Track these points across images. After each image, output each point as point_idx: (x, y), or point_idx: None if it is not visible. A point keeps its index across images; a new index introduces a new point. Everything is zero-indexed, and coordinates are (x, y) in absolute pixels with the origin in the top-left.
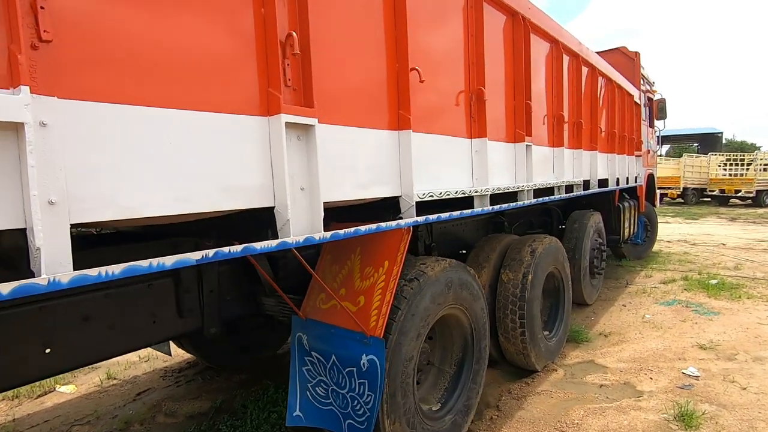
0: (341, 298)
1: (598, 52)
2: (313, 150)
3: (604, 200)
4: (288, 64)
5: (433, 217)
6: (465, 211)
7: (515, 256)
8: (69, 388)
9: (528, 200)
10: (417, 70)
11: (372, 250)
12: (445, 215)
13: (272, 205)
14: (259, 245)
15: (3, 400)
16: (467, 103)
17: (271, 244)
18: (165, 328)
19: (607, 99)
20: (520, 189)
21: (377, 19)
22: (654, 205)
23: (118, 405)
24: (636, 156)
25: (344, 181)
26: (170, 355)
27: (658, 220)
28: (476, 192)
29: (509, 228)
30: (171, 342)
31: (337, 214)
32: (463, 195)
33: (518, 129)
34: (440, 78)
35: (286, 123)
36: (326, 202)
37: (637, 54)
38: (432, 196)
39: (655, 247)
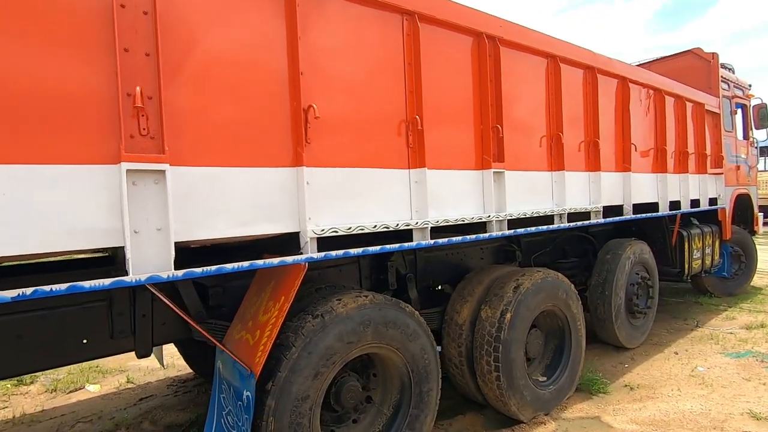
0: (247, 330)
1: (661, 58)
2: (163, 193)
3: (657, 227)
4: (142, 115)
5: (332, 253)
6: (390, 246)
7: (498, 291)
8: (95, 387)
9: (499, 232)
10: (312, 106)
11: (278, 285)
12: (358, 251)
13: (121, 245)
14: (88, 284)
15: (45, 392)
16: (403, 132)
17: (104, 282)
18: (97, 347)
19: (651, 110)
20: (488, 219)
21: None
22: (754, 232)
23: (120, 407)
24: (713, 174)
25: (216, 219)
26: (162, 365)
27: (758, 249)
28: (416, 224)
29: (522, 258)
30: (178, 352)
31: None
32: (386, 229)
33: (485, 155)
34: (347, 106)
35: (134, 170)
36: (192, 240)
37: (714, 55)
38: (336, 231)
39: (761, 281)
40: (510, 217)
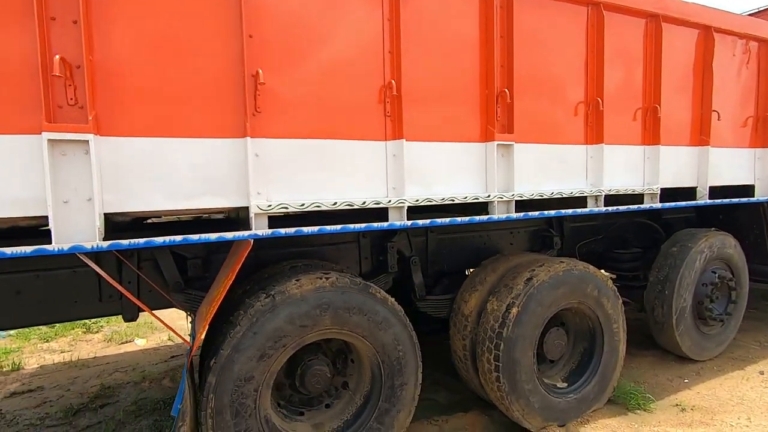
0: (205, 303)
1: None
2: (87, 164)
3: (752, 216)
4: (69, 85)
5: (281, 231)
6: (342, 226)
7: (509, 281)
8: (142, 341)
9: (504, 214)
10: (259, 72)
11: (229, 261)
12: (313, 229)
13: (45, 214)
14: (10, 250)
15: (103, 341)
16: (379, 99)
17: (25, 250)
18: (86, 309)
19: (751, 67)
20: (490, 200)
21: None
22: None
23: (153, 362)
24: None
25: (154, 192)
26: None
27: None
28: (389, 202)
29: (563, 246)
30: None
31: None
32: (349, 207)
33: (488, 125)
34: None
35: (59, 140)
36: (127, 212)
37: None
38: (285, 208)
39: None
40: (520, 198)
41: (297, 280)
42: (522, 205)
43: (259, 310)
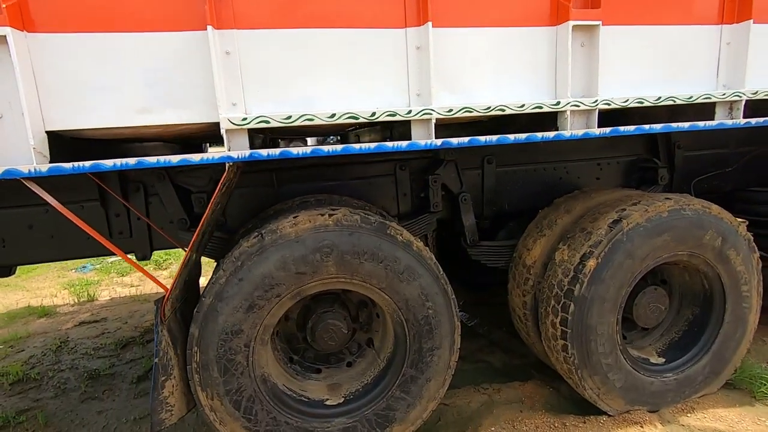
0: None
1: None
2: (10, 67)
3: None
4: None
5: (263, 152)
6: (345, 147)
7: (586, 225)
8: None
9: (580, 130)
10: None
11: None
12: (302, 150)
13: None
14: None
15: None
16: None
17: None
18: (98, 246)
19: None
20: (558, 109)
21: None
22: None
23: None
24: None
25: (102, 104)
26: None
27: None
28: (410, 113)
29: (673, 180)
30: None
31: None
32: (352, 119)
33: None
34: None
35: None
36: (72, 129)
37: None
38: (267, 122)
39: None
40: (607, 106)
41: (294, 217)
42: (610, 119)
43: (245, 252)
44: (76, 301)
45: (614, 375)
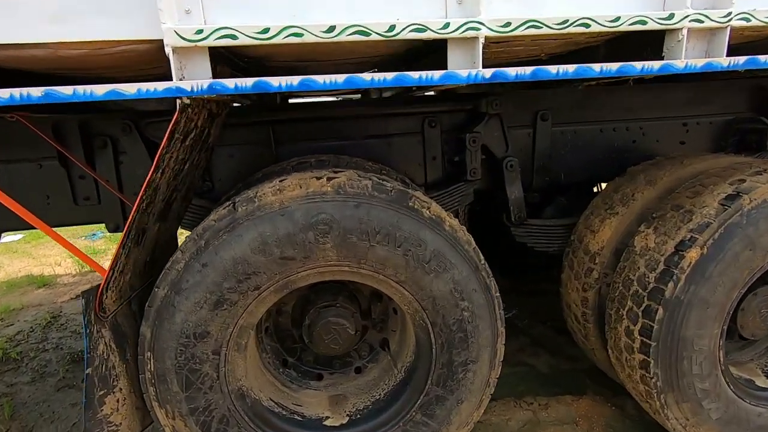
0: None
1: None
2: None
3: None
4: None
5: (229, 84)
6: (347, 78)
7: (683, 201)
8: None
9: (695, 59)
10: None
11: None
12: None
13: None
14: None
15: None
16: None
17: None
18: (62, 213)
19: None
20: (672, 25)
21: None
22: None
23: None
24: None
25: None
26: None
27: None
28: (446, 28)
29: None
30: None
31: None
32: (361, 36)
33: None
34: None
35: None
36: None
37: None
38: (234, 38)
39: None
40: (743, 22)
41: (280, 181)
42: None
43: (210, 228)
44: (78, 271)
45: (711, 403)
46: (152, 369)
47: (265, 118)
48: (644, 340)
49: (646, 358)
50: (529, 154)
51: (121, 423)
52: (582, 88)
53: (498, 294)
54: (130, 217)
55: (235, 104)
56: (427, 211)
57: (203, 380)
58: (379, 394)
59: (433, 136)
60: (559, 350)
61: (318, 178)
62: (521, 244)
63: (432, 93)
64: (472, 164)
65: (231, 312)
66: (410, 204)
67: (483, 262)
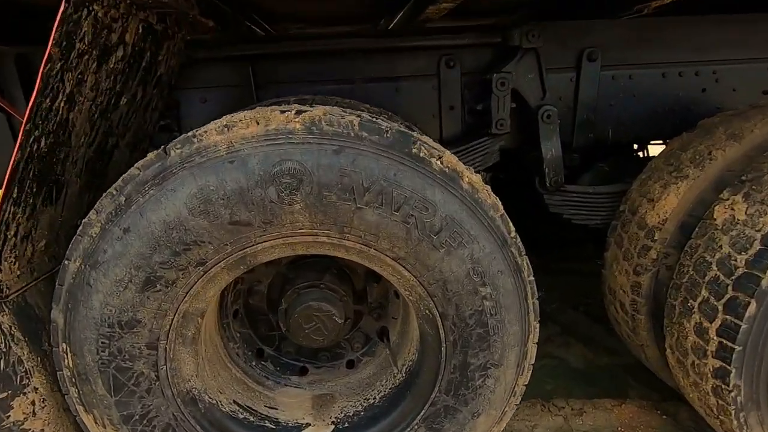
0: None
1: None
2: None
3: None
4: None
5: None
6: None
7: None
8: None
9: None
10: None
11: None
12: None
13: None
14: None
15: None
16: None
17: None
18: None
19: None
20: None
21: None
22: None
23: None
24: None
25: None
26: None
27: None
28: None
29: None
30: None
31: None
32: None
33: None
34: None
35: None
36: None
37: None
38: None
39: None
40: None
41: (238, 120)
42: None
43: (133, 179)
44: None
45: None
46: (71, 365)
47: (245, 52)
48: (724, 342)
49: (724, 365)
50: (570, 103)
51: (42, 430)
52: (646, 12)
53: (532, 278)
54: (12, 160)
55: (204, 34)
56: (438, 162)
57: (137, 381)
58: (374, 398)
59: (451, 78)
60: (595, 341)
61: (283, 112)
62: (552, 216)
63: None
64: (499, 114)
65: (168, 294)
66: (414, 151)
67: (513, 234)
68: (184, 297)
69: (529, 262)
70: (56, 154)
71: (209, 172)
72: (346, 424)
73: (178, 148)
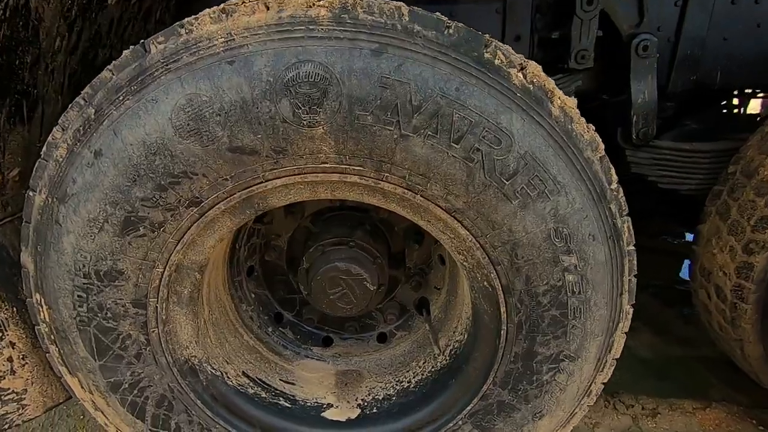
0: None
1: None
2: None
3: None
4: None
5: None
6: None
7: None
8: None
9: None
10: None
11: None
12: None
13: None
14: None
15: None
16: None
17: None
18: None
19: None
20: None
21: None
22: None
23: None
24: None
25: None
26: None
27: None
28: None
29: None
30: None
31: None
32: None
33: None
34: None
35: None
36: None
37: None
38: None
39: None
40: None
41: (234, 3)
42: None
43: (104, 84)
44: None
45: None
46: (47, 320)
47: None
48: None
49: None
50: (671, 34)
51: (24, 390)
52: None
53: (632, 247)
54: None
55: None
56: (519, 75)
57: (123, 344)
58: (409, 382)
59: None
60: (666, 329)
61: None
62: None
63: None
64: (581, 43)
65: (155, 241)
66: (486, 56)
67: (615, 186)
68: (176, 245)
69: (631, 224)
70: (18, 55)
71: (201, 76)
72: (375, 410)
73: (160, 43)
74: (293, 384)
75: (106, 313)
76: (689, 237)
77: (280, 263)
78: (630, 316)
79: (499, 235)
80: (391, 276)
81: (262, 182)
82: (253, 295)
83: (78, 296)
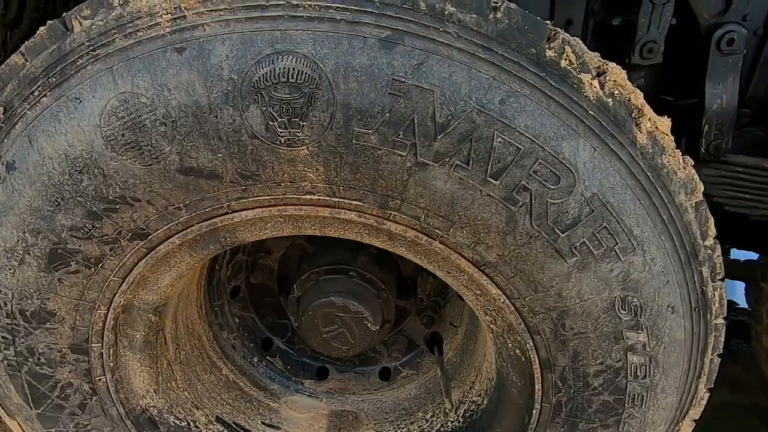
0: None
1: None
2: None
3: None
4: None
5: None
6: None
7: None
8: None
9: None
10: None
11: None
12: None
13: None
14: None
15: None
16: None
17: None
18: None
19: None
20: None
21: None
22: None
23: None
24: None
25: None
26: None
27: None
28: None
29: None
30: None
31: None
32: None
33: None
34: None
35: None
36: None
37: None
38: None
39: None
40: None
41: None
42: None
43: (13, 74)
44: None
45: None
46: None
47: None
48: None
49: None
50: (760, 26)
51: None
52: None
53: (722, 320)
54: None
55: None
56: (595, 84)
57: (64, 394)
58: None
59: None
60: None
61: None
62: None
63: None
64: (649, 33)
65: (92, 278)
66: (548, 55)
67: (711, 242)
68: (121, 284)
69: (724, 292)
70: None
71: (139, 67)
72: None
73: (85, 18)
74: (278, 428)
75: (39, 359)
76: (734, 254)
77: (270, 284)
78: (705, 402)
79: (543, 300)
80: (399, 307)
81: (227, 213)
82: (237, 320)
83: (3, 337)
